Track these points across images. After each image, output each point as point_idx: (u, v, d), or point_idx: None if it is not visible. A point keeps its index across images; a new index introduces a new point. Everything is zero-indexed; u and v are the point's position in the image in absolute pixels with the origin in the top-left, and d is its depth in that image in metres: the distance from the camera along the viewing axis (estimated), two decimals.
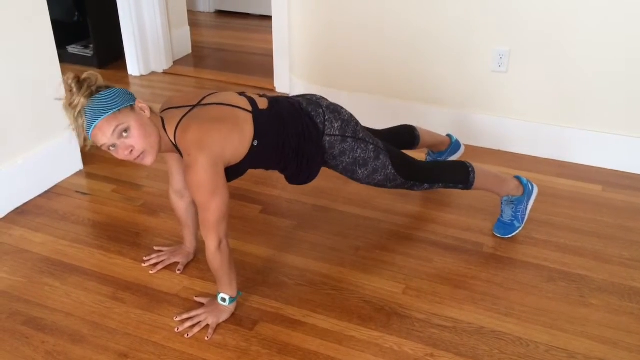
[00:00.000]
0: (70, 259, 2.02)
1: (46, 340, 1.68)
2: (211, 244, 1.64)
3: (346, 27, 2.88)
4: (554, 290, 1.88)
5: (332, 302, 1.83)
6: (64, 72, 2.40)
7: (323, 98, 1.92)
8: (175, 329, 1.71)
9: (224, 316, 1.74)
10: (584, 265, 1.99)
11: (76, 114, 1.49)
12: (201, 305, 1.80)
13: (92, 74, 1.52)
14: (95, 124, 1.49)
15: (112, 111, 1.49)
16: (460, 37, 2.66)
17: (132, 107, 1.55)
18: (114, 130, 1.50)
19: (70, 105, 1.49)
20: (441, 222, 2.24)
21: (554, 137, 2.67)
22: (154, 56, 3.79)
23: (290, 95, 1.96)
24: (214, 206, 1.59)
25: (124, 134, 1.52)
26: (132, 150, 1.54)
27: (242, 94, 1.80)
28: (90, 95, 1.49)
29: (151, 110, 1.64)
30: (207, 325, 1.72)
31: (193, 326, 1.72)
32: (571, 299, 1.85)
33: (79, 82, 1.50)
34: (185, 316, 1.75)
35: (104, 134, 1.50)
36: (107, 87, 1.54)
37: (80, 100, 1.48)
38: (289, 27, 3.09)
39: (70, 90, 1.49)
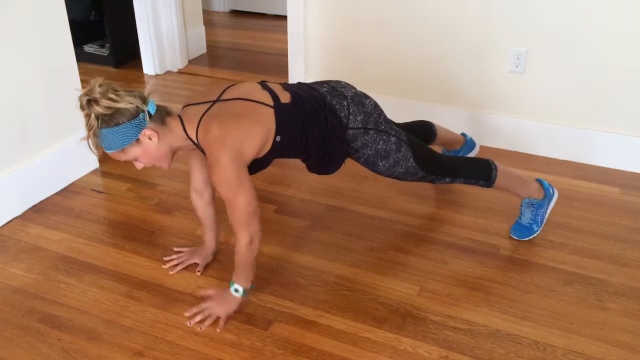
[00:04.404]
0: (86, 257, 2.03)
1: (62, 337, 1.69)
2: (242, 240, 1.65)
3: (362, 27, 2.87)
4: (571, 293, 1.86)
5: (347, 302, 1.83)
6: (80, 71, 2.44)
7: (349, 86, 1.90)
8: (188, 323, 1.72)
9: (233, 307, 1.73)
10: (601, 269, 1.97)
11: (90, 134, 1.56)
12: (208, 298, 1.78)
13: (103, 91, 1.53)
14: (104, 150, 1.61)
15: (115, 150, 1.59)
16: (478, 37, 2.64)
17: (137, 141, 1.59)
18: (122, 160, 1.64)
19: (86, 125, 1.56)
20: (457, 223, 2.22)
21: (571, 138, 2.64)
22: (169, 55, 3.81)
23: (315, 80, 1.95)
24: (241, 202, 1.60)
25: (133, 161, 1.65)
26: (143, 167, 1.67)
27: (262, 83, 1.79)
28: (102, 115, 1.53)
29: (169, 113, 1.66)
30: (218, 318, 1.71)
31: (204, 320, 1.72)
32: (588, 302, 1.83)
33: (89, 102, 1.53)
34: (195, 310, 1.75)
35: (114, 158, 1.64)
36: (117, 111, 1.53)
37: (93, 123, 1.54)
38: (304, 27, 3.08)
39: (82, 107, 1.54)
